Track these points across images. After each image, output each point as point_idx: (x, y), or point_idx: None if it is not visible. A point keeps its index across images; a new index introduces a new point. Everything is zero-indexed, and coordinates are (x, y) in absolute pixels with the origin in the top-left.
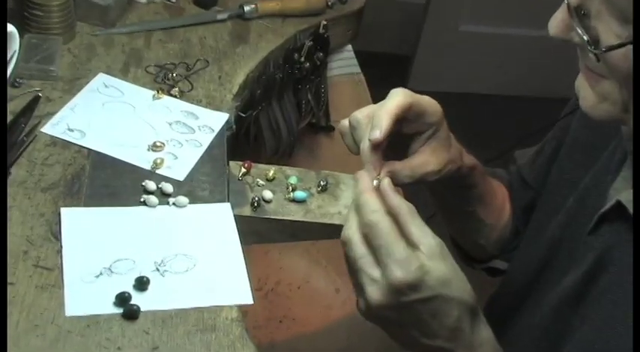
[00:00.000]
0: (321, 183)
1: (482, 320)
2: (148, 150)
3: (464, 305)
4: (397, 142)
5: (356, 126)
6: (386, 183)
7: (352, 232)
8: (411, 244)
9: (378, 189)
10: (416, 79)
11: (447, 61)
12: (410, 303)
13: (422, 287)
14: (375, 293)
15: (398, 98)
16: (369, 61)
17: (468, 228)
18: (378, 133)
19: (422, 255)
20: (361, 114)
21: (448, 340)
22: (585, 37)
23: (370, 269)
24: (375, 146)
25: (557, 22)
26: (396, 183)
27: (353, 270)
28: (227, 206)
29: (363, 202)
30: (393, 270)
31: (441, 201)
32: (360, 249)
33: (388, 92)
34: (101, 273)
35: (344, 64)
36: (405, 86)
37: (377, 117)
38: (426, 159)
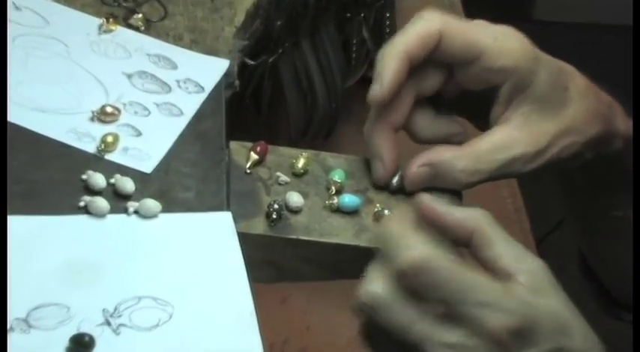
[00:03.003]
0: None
1: None
2: (92, 120)
3: None
4: (464, 106)
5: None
6: (425, 198)
7: (379, 288)
8: (499, 274)
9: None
10: (545, 5)
11: None
12: None
13: (533, 336)
14: None
15: (417, 28)
16: None
17: (617, 247)
18: (378, 89)
19: (521, 289)
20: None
21: None
22: None
23: (441, 334)
24: (384, 120)
25: None
26: (447, 184)
27: (405, 348)
28: (225, 217)
29: (387, 238)
30: (485, 318)
31: (574, 200)
32: (405, 310)
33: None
34: (12, 328)
35: None
36: (527, 16)
37: (379, 63)
38: (506, 137)
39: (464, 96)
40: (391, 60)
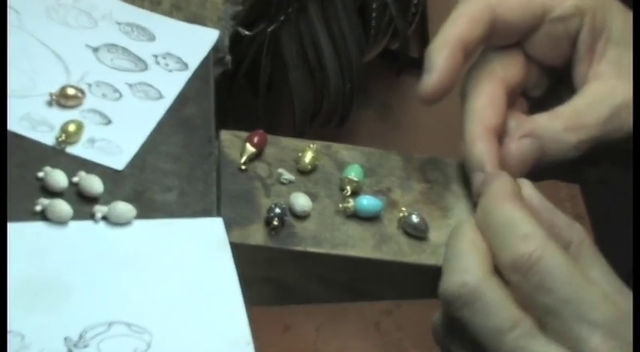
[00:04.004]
0: (415, 178)
1: None
2: (49, 104)
3: None
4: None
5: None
6: (528, 185)
7: (478, 279)
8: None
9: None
10: None
11: None
12: None
13: None
14: None
15: (462, 10)
16: None
17: None
18: (428, 79)
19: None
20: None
21: None
22: None
23: (538, 347)
24: (480, 123)
25: None
26: (557, 153)
27: None
28: (215, 224)
29: (498, 219)
30: (595, 341)
31: None
32: (505, 311)
33: None
34: None
35: None
36: None
37: (427, 54)
38: (603, 87)
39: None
40: (441, 47)
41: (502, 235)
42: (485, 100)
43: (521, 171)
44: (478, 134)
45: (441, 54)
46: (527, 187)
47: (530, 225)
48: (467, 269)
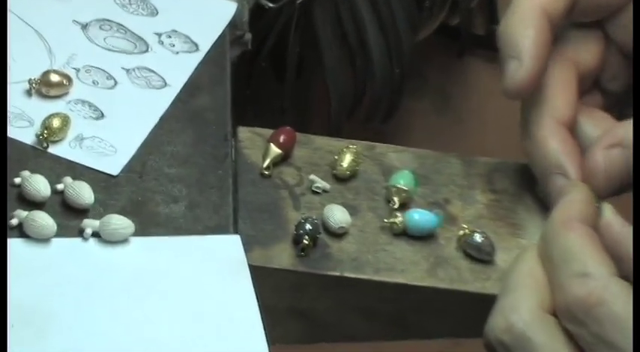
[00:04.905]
0: (479, 188)
1: None
2: (29, 94)
3: None
4: None
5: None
6: (609, 209)
7: (524, 319)
8: None
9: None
10: None
11: None
12: None
13: None
14: None
15: None
16: None
17: None
18: (519, 69)
19: None
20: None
21: None
22: None
23: None
24: (551, 116)
25: None
26: None
27: None
28: (232, 243)
29: (561, 253)
30: None
31: None
32: None
33: None
34: None
35: None
36: None
37: (506, 33)
38: None
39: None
40: (525, 24)
41: (559, 271)
42: (556, 88)
43: (607, 186)
44: (551, 129)
45: (527, 32)
46: (608, 211)
47: (592, 260)
48: (515, 308)
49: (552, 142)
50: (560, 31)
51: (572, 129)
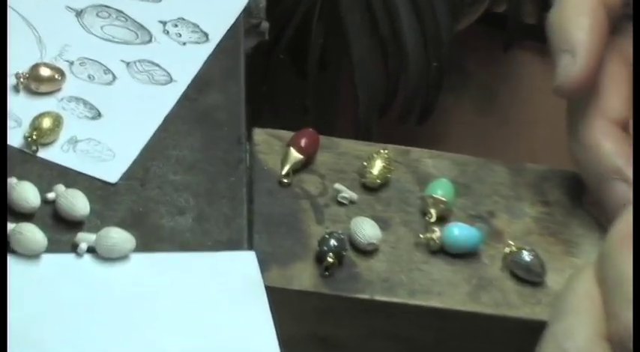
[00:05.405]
0: (527, 199)
1: None
2: (16, 90)
3: None
4: None
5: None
6: None
7: (579, 347)
8: None
9: None
10: None
11: None
12: None
13: None
14: None
15: None
16: None
17: None
18: (574, 65)
19: None
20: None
21: None
22: None
23: None
24: (602, 114)
25: None
26: None
27: None
28: (246, 260)
29: (616, 274)
30: None
31: None
32: None
33: None
34: None
35: None
36: None
37: (557, 23)
38: None
39: None
40: (579, 13)
41: (613, 296)
42: (610, 85)
43: None
44: (604, 130)
45: (582, 22)
46: None
47: None
48: (570, 334)
49: (607, 144)
50: (616, 22)
51: (627, 131)
